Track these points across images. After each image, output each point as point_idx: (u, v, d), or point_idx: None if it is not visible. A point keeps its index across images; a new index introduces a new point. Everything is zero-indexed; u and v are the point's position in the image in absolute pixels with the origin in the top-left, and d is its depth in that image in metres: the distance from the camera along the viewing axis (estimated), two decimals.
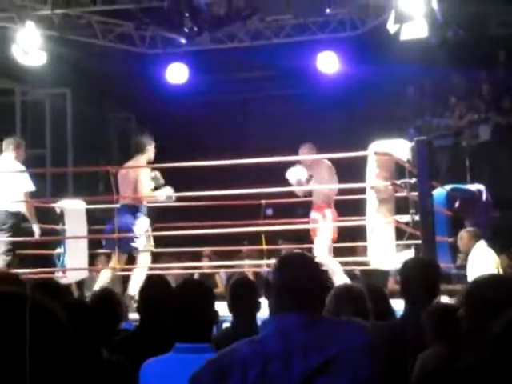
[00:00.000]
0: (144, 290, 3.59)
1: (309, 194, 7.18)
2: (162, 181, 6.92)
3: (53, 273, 7.48)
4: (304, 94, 11.44)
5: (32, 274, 6.74)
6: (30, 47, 8.92)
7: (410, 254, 5.99)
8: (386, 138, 6.30)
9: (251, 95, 12.09)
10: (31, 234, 7.01)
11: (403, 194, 6.00)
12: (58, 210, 7.70)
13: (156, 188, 6.91)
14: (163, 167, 7.02)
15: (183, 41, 9.65)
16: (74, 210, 7.67)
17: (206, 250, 9.14)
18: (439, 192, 6.79)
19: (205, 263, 9.16)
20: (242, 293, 3.70)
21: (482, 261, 6.47)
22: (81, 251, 7.48)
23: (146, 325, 3.41)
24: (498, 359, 1.65)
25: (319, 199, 6.99)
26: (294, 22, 10.04)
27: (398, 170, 6.22)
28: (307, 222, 7.22)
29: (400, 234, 6.14)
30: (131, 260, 6.92)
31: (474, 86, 10.85)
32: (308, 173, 6.87)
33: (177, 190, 6.97)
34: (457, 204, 7.33)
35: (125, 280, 7.20)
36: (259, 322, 2.37)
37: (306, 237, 7.21)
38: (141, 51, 10.46)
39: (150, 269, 6.93)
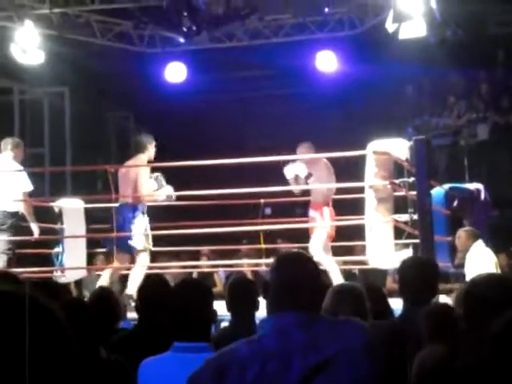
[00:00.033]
0: (142, 289, 3.59)
1: (306, 192, 7.19)
2: (164, 183, 6.91)
3: (51, 272, 7.48)
4: (303, 93, 11.45)
5: (30, 273, 6.73)
6: (29, 46, 8.93)
7: (408, 253, 5.99)
8: (385, 137, 6.31)
9: (250, 94, 12.09)
10: (30, 233, 7.01)
11: (402, 193, 6.00)
12: (56, 209, 7.70)
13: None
14: (162, 166, 7.02)
15: (182, 40, 9.64)
16: (72, 209, 7.67)
17: (205, 249, 9.14)
18: (438, 191, 6.79)
19: (203, 262, 9.16)
20: (241, 292, 3.69)
21: (480, 260, 6.47)
22: (79, 250, 7.48)
23: (144, 324, 3.41)
24: (497, 359, 1.65)
25: (317, 198, 6.99)
26: (293, 21, 10.05)
27: (397, 169, 6.23)
28: (306, 221, 7.23)
29: (398, 233, 6.15)
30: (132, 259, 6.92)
31: (473, 86, 10.86)
32: (307, 171, 6.87)
33: (175, 189, 6.97)
34: (455, 203, 7.33)
35: (123, 279, 7.20)
36: (258, 322, 2.37)
37: (304, 236, 7.21)
38: (139, 50, 10.46)
39: (149, 268, 6.93)
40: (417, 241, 5.71)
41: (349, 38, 9.99)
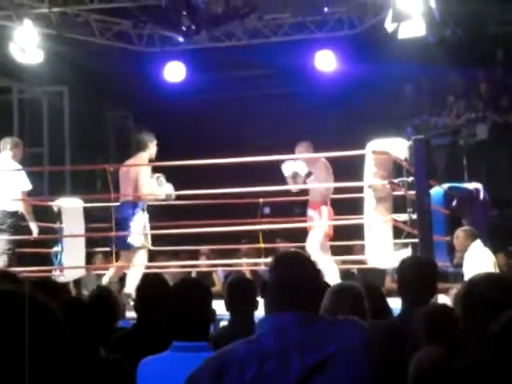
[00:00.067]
0: (141, 289, 3.59)
1: (305, 191, 7.19)
2: (165, 184, 6.90)
3: (50, 271, 7.48)
4: (302, 93, 11.45)
5: (29, 272, 6.73)
6: (28, 45, 8.92)
7: (407, 252, 6.00)
8: (384, 137, 6.31)
9: (249, 94, 12.08)
10: (29, 232, 7.01)
11: (401, 192, 6.00)
12: (55, 209, 7.70)
13: None
14: (161, 165, 7.02)
15: (181, 39, 9.63)
16: (71, 208, 7.67)
17: (204, 248, 9.14)
18: (437, 191, 6.80)
19: (202, 261, 9.16)
20: (240, 291, 3.69)
21: (479, 260, 6.47)
22: (78, 250, 7.48)
23: (143, 323, 3.41)
24: (497, 359, 1.65)
25: (316, 197, 6.99)
26: (292, 20, 10.04)
27: (396, 169, 6.23)
28: (304, 221, 7.23)
29: (397, 232, 6.14)
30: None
31: (472, 85, 10.86)
32: (307, 169, 6.87)
33: (174, 188, 6.97)
34: (454, 203, 7.33)
35: (122, 278, 7.20)
36: (257, 321, 2.37)
37: (303, 235, 7.21)
38: (138, 49, 10.45)
39: (147, 267, 6.93)
40: (416, 240, 5.71)
41: (348, 38, 9.99)
